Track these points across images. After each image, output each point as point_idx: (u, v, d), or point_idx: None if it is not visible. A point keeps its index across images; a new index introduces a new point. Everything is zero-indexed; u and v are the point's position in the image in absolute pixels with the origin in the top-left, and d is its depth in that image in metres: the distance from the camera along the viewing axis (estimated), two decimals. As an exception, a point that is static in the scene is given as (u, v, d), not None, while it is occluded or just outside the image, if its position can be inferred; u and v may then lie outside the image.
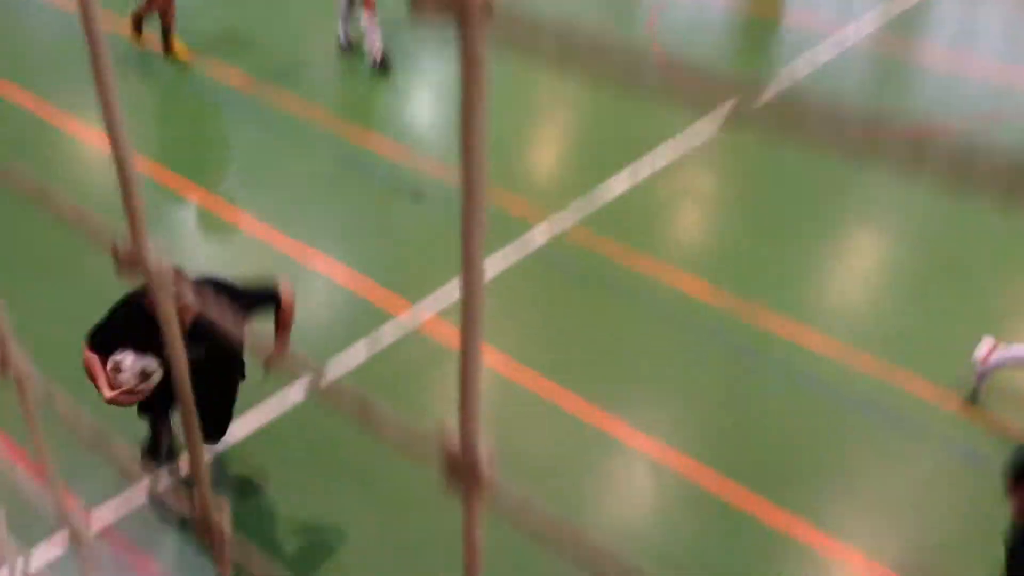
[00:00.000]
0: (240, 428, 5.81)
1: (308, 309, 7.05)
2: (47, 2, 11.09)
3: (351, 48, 10.09)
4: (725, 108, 0.58)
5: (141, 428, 5.53)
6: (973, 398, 6.16)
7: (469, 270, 0.73)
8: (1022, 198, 0.49)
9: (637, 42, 10.36)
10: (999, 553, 4.28)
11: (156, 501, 5.44)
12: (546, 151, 9.23)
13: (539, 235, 7.54)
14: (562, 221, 7.70)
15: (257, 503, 5.52)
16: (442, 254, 7.14)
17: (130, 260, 0.87)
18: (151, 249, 0.87)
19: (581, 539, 0.77)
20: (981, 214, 7.87)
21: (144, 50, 9.98)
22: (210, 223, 7.93)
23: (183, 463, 5.66)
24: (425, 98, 9.76)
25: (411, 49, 10.10)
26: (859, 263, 7.68)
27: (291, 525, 5.45)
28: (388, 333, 6.63)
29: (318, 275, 7.21)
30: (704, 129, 8.77)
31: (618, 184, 8.15)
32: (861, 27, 10.79)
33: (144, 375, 4.65)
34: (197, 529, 1.08)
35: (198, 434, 1.08)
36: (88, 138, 8.70)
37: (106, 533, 5.33)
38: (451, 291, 6.84)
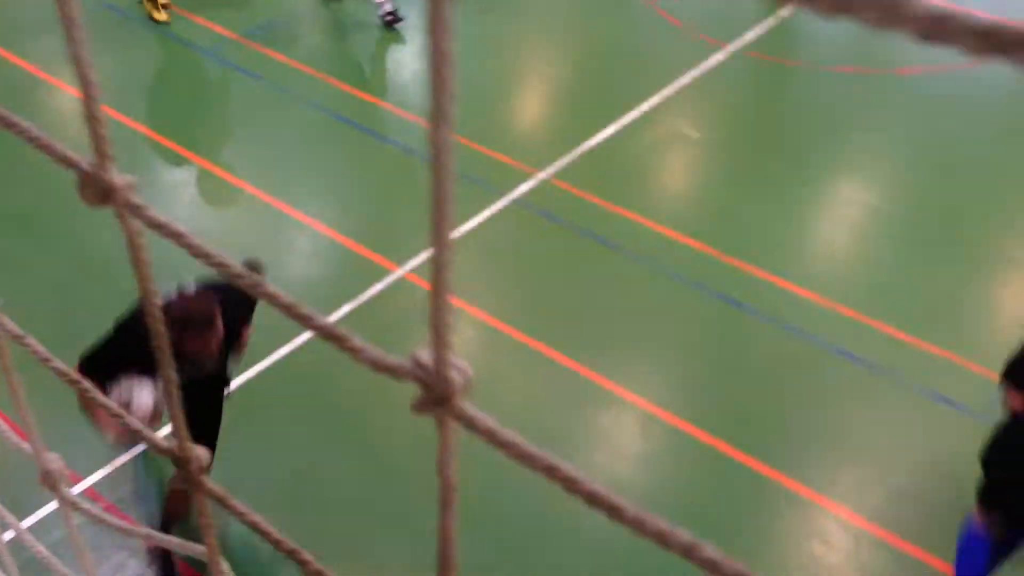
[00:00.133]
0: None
1: (298, 263, 7.01)
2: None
3: (334, -1, 9.95)
4: None
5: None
6: None
7: (438, 189, 0.71)
8: None
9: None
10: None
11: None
12: (530, 104, 9.16)
13: (523, 187, 7.51)
14: (545, 173, 7.66)
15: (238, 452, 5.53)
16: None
17: (94, 180, 0.85)
18: (115, 169, 0.84)
19: (554, 461, 0.76)
20: (968, 164, 7.88)
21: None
22: (193, 178, 7.86)
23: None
24: (408, 51, 9.66)
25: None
26: (845, 212, 7.68)
27: (270, 475, 5.47)
28: (376, 286, 6.61)
29: (305, 228, 7.17)
30: (684, 81, 8.72)
31: (603, 136, 8.11)
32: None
33: (157, 414, 4.20)
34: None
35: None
36: (61, 86, 8.60)
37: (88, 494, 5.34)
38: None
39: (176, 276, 4.01)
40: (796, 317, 6.42)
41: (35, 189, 7.14)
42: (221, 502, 1.01)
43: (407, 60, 9.47)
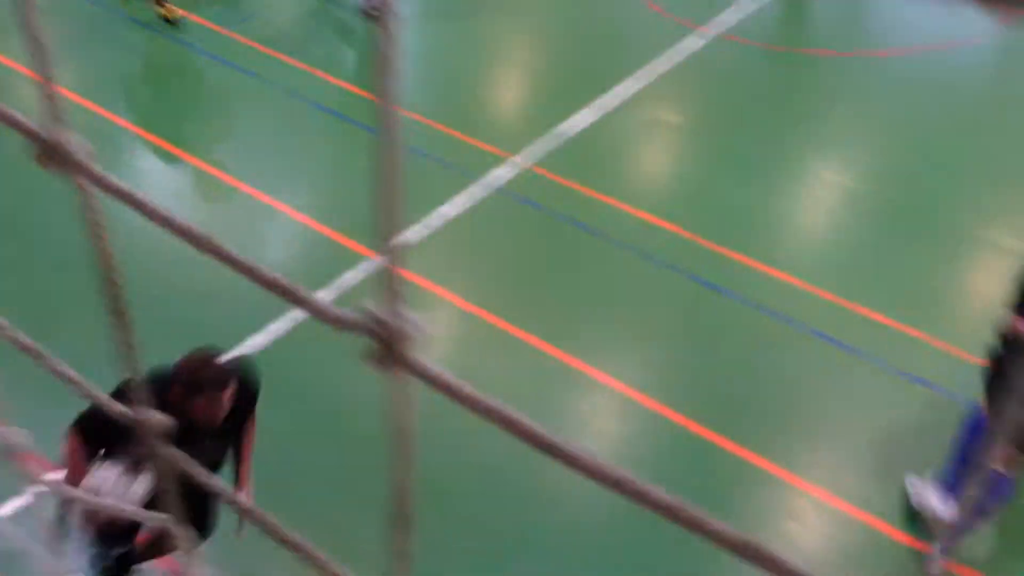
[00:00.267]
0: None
1: (275, 250, 6.99)
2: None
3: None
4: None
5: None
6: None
7: (385, 137, 0.71)
8: None
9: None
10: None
11: None
12: (508, 90, 9.14)
13: (503, 173, 7.50)
14: (524, 159, 7.65)
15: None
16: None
17: (50, 144, 0.83)
18: (69, 133, 0.83)
19: (509, 411, 0.76)
20: (944, 147, 7.93)
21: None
22: (172, 168, 7.80)
23: None
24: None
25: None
26: (822, 196, 7.70)
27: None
28: (352, 272, 6.58)
29: (281, 215, 7.14)
30: (662, 66, 8.72)
31: (581, 121, 8.10)
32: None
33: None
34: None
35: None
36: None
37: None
38: (419, 230, 6.80)
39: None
40: (773, 300, 6.44)
41: (16, 190, 7.07)
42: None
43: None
